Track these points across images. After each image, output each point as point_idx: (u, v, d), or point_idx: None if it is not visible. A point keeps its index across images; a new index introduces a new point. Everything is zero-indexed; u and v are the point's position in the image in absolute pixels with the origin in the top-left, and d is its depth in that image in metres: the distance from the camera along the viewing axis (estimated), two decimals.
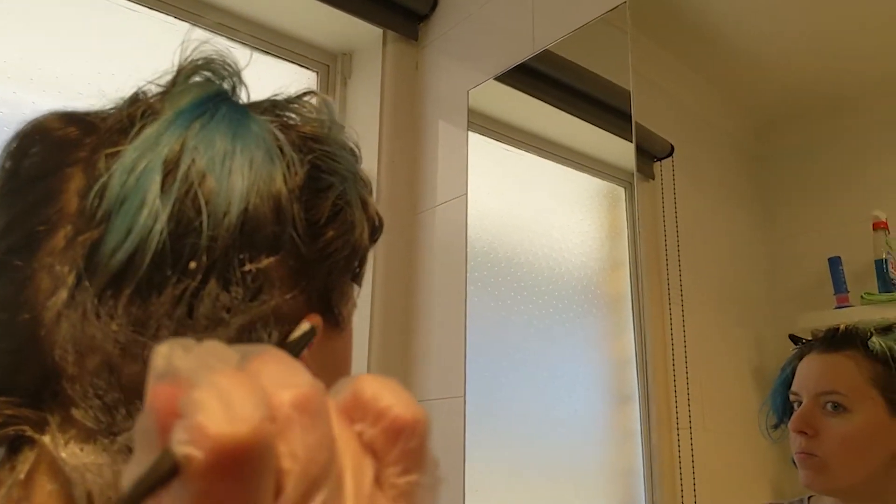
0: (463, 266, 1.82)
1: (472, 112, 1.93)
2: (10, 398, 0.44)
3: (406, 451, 0.29)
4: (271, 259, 0.47)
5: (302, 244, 0.49)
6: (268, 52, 2.05)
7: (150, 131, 0.46)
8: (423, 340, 1.91)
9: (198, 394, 0.25)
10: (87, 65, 1.68)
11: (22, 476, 0.43)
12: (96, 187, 0.45)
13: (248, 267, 0.46)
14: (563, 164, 1.81)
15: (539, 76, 1.82)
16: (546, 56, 1.77)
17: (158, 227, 0.43)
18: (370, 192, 0.57)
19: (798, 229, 1.30)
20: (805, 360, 1.13)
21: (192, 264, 0.44)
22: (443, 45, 2.11)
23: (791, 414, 1.11)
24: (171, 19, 1.80)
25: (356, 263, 0.54)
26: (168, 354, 0.28)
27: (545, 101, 1.86)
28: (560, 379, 1.68)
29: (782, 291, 1.32)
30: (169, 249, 0.44)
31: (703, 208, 1.48)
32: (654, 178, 1.52)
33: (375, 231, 0.57)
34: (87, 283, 0.44)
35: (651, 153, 1.53)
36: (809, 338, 1.17)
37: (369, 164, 1.99)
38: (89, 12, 1.73)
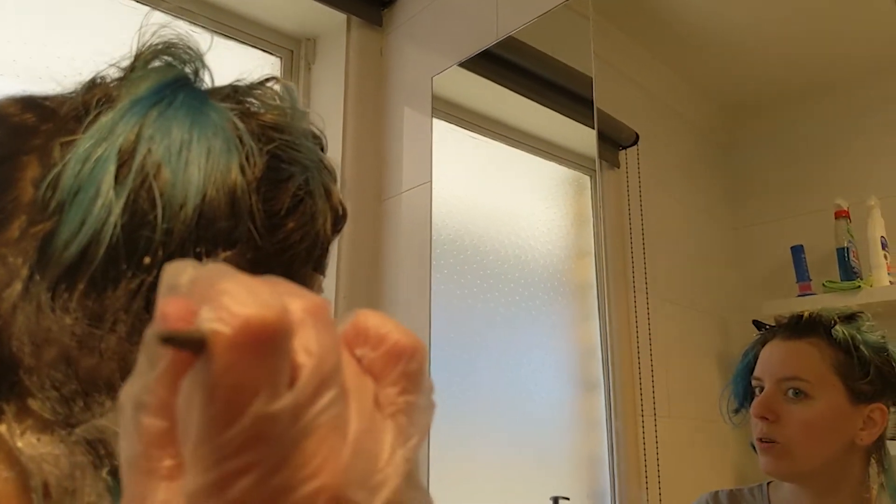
0: (428, 254, 1.81)
1: (436, 98, 1.92)
2: None
3: (406, 372, 0.31)
4: (228, 253, 0.46)
5: (259, 236, 0.48)
6: (231, 37, 2.03)
7: (105, 119, 0.45)
8: None
9: (224, 284, 0.26)
10: (46, 49, 1.64)
11: None
12: (49, 177, 0.44)
13: (204, 261, 0.45)
14: (528, 151, 1.81)
15: (503, 63, 1.81)
16: (510, 42, 1.76)
17: (112, 219, 0.43)
18: (335, 181, 0.56)
19: (761, 218, 1.31)
20: (768, 346, 1.14)
21: (147, 259, 0.43)
22: (407, 30, 2.09)
23: (752, 399, 1.12)
24: (132, 3, 1.76)
25: (318, 254, 0.53)
26: (180, 270, 0.29)
27: (509, 88, 1.85)
28: (525, 366, 1.68)
29: (746, 279, 1.33)
30: (123, 243, 0.43)
31: (669, 196, 1.49)
32: (619, 167, 1.52)
33: (339, 221, 0.56)
34: (37, 277, 0.43)
35: (616, 141, 1.54)
36: (773, 324, 1.18)
37: (333, 151, 1.97)
38: None
